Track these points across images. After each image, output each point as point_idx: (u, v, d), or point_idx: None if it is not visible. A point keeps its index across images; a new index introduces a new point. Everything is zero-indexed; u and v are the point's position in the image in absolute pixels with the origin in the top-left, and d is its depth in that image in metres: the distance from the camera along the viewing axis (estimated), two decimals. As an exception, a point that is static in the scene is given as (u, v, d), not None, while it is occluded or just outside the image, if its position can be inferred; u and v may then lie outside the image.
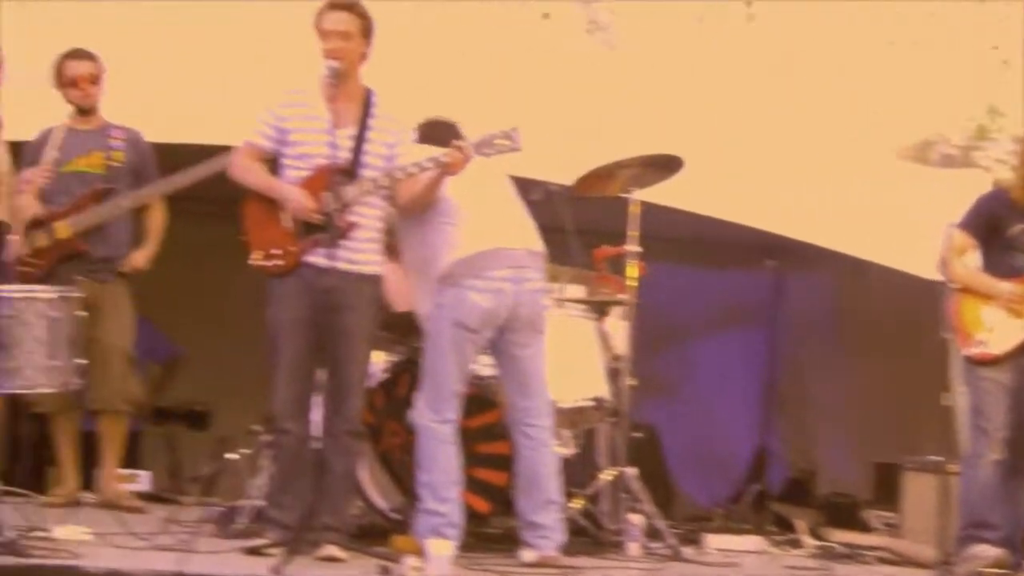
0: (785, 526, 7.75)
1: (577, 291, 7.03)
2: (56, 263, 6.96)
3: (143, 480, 7.73)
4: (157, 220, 7.29)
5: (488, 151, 5.88)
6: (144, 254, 7.21)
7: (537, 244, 6.21)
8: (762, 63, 8.21)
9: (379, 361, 6.53)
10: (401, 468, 6.49)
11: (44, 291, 5.91)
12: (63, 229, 6.97)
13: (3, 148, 6.45)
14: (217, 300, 9.48)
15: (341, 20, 5.91)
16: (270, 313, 5.96)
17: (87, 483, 7.33)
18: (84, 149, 7.09)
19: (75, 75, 7.11)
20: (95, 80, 7.14)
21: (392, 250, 6.26)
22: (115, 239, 7.12)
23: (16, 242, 6.51)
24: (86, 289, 6.39)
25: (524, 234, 6.20)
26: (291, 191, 5.90)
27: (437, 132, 6.30)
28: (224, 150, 6.52)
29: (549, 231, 6.46)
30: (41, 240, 6.95)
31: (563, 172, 7.02)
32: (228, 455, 7.05)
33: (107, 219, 7.03)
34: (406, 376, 6.47)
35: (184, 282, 8.97)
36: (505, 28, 8.19)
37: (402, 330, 6.56)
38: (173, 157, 7.24)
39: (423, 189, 5.97)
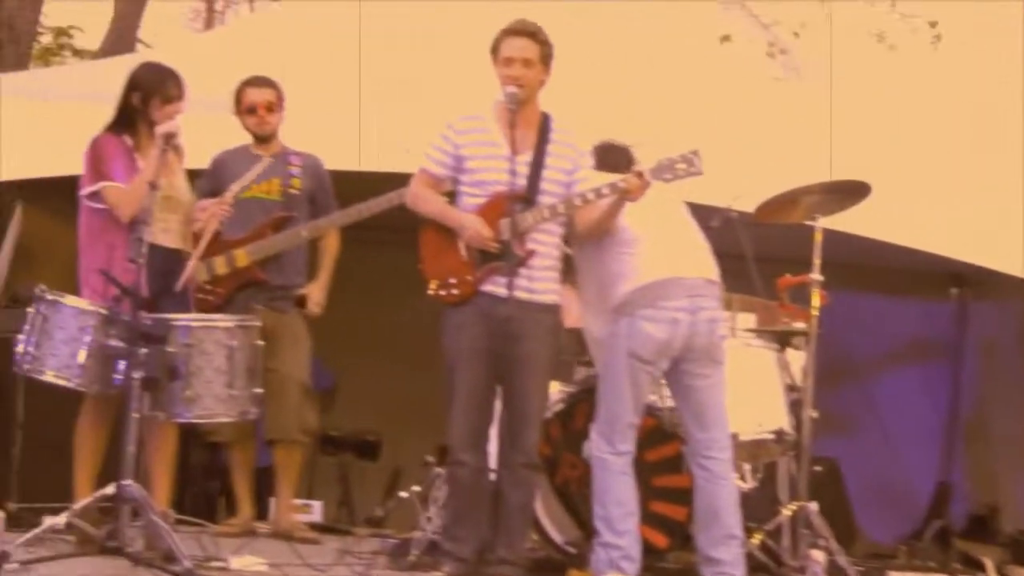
0: (971, 564, 7.52)
1: (748, 319, 6.91)
2: (234, 291, 7.00)
3: (315, 510, 7.76)
4: (332, 249, 7.30)
5: (667, 176, 5.79)
6: (319, 287, 7.21)
7: (713, 272, 6.11)
8: (948, 86, 8.03)
9: (556, 391, 6.47)
10: (578, 501, 6.43)
11: (223, 320, 6.01)
12: (242, 257, 7.00)
13: (183, 176, 6.54)
14: (389, 328, 9.54)
15: (523, 47, 5.89)
16: (447, 343, 5.94)
17: (260, 513, 7.38)
18: (262, 176, 7.05)
19: (254, 102, 7.15)
20: (273, 108, 7.17)
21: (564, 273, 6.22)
22: (292, 268, 7.12)
23: (195, 270, 6.57)
24: (263, 318, 6.44)
25: (700, 263, 6.11)
26: (467, 219, 5.89)
27: (611, 156, 6.27)
28: (401, 178, 6.53)
29: (728, 258, 6.36)
30: (220, 268, 7.00)
31: (743, 198, 6.88)
32: (402, 494, 7.02)
33: (286, 248, 7.04)
34: (583, 407, 6.40)
35: (356, 309, 9.03)
36: (683, 50, 8.14)
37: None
38: (349, 184, 7.27)
39: (601, 216, 5.92)
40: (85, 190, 6.28)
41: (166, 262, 6.28)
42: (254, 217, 7.03)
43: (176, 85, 6.32)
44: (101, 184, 6.22)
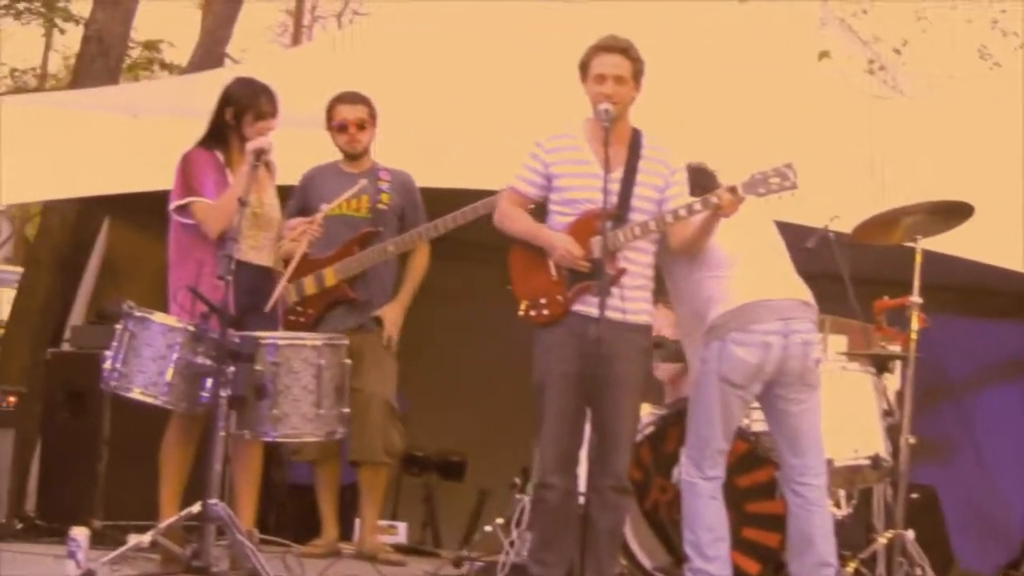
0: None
1: (839, 341, 6.82)
2: (324, 311, 7.00)
3: (400, 532, 7.75)
4: (418, 268, 7.25)
5: (761, 191, 5.69)
6: (396, 307, 7.15)
7: (807, 294, 6.03)
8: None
9: (647, 414, 6.42)
10: (668, 525, 6.39)
11: (311, 338, 6.02)
12: (330, 276, 7.00)
13: (273, 193, 6.57)
14: (474, 347, 9.52)
15: (616, 64, 5.84)
16: (536, 364, 5.89)
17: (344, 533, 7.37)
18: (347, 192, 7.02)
19: (345, 119, 7.13)
20: (364, 125, 7.14)
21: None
22: (377, 285, 7.11)
23: (285, 289, 6.57)
24: (348, 336, 6.41)
25: (793, 284, 6.04)
26: (557, 238, 5.85)
27: (696, 179, 6.20)
28: (488, 194, 6.52)
29: (824, 280, 6.28)
30: (309, 288, 7.00)
31: (840, 218, 6.78)
32: (486, 528, 6.97)
33: (373, 264, 7.03)
34: (674, 430, 6.36)
35: (442, 325, 9.02)
36: (781, 67, 8.06)
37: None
38: (438, 201, 7.26)
39: (694, 233, 5.86)
40: (174, 204, 6.33)
41: (255, 280, 6.31)
42: (342, 235, 7.02)
43: (269, 101, 6.35)
44: (190, 199, 6.27)
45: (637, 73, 5.90)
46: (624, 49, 5.88)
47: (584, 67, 5.90)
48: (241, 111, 6.34)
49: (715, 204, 5.71)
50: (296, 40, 30.00)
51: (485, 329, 8.85)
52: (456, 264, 8.11)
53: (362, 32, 11.97)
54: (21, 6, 14.19)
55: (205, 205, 6.24)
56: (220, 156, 6.38)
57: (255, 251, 6.35)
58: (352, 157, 7.17)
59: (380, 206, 7.11)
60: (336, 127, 7.15)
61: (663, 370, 7.17)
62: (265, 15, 39.32)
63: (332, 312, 7.00)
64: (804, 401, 5.95)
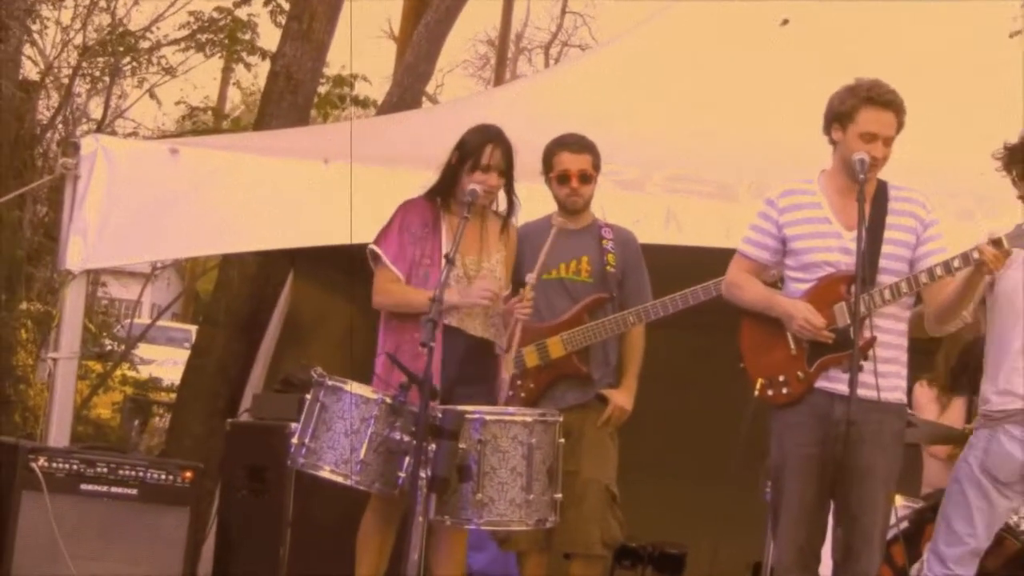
0: None
1: None
2: (547, 387, 6.98)
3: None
4: (638, 344, 7.21)
5: None
6: (626, 392, 7.12)
7: None
8: None
9: (900, 507, 6.35)
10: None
11: (521, 414, 6.03)
12: (557, 347, 6.98)
13: (500, 257, 6.60)
14: (697, 423, 9.52)
15: (890, 123, 5.81)
16: (774, 446, 5.90)
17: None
18: (570, 253, 7.04)
19: (567, 169, 7.02)
20: (588, 177, 7.06)
21: None
22: (601, 358, 7.09)
23: (506, 361, 6.62)
24: (566, 414, 6.42)
25: None
26: (795, 307, 5.84)
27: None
28: (722, 254, 6.52)
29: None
30: (531, 360, 6.99)
31: None
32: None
33: (608, 337, 7.01)
34: (932, 527, 6.25)
35: (658, 400, 9.03)
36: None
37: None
38: (661, 257, 7.30)
39: (954, 295, 5.78)
40: (369, 249, 6.47)
41: (469, 350, 6.40)
42: (560, 303, 7.02)
43: (494, 153, 6.41)
44: (373, 247, 6.45)
45: (899, 130, 5.87)
46: (898, 106, 5.82)
47: (845, 116, 5.84)
48: (462, 158, 6.46)
49: (977, 260, 5.63)
50: (499, 75, 30.42)
51: (710, 404, 8.84)
52: (676, 334, 8.10)
53: (575, 68, 12.08)
54: (203, 38, 14.57)
55: (385, 275, 6.40)
56: (439, 208, 6.50)
57: (469, 318, 6.42)
58: (571, 212, 7.08)
59: (608, 268, 7.07)
60: (556, 177, 7.06)
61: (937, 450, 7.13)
62: (463, 47, 40.10)
63: (554, 388, 7.00)
64: None
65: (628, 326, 7.03)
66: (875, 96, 5.80)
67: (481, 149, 6.41)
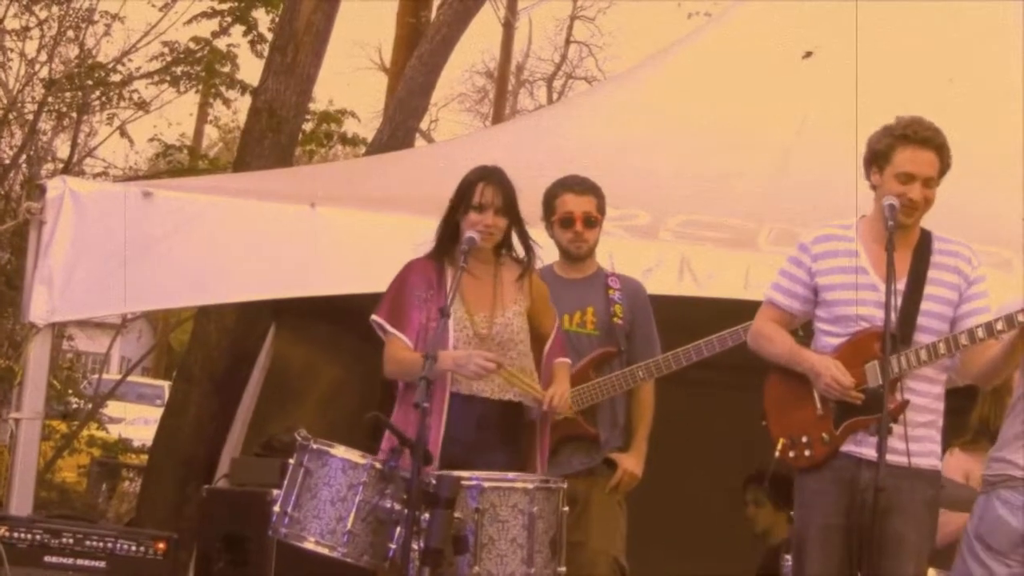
0: None
1: None
2: (552, 450, 6.80)
3: None
4: (648, 402, 7.24)
5: None
6: (636, 455, 7.13)
7: None
8: None
9: (933, 582, 6.37)
10: None
11: (522, 480, 5.99)
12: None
13: (517, 310, 6.46)
14: (712, 489, 9.53)
15: (930, 163, 5.83)
16: (796, 515, 5.94)
17: None
18: (574, 304, 7.05)
19: (571, 213, 7.05)
20: (593, 221, 7.09)
21: None
22: (609, 418, 7.11)
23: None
24: (574, 481, 6.41)
25: None
26: (824, 363, 5.86)
27: None
28: (740, 306, 6.56)
29: None
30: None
31: None
32: None
33: (615, 394, 7.02)
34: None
35: (670, 462, 9.04)
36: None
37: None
38: (675, 310, 7.31)
39: (996, 360, 5.80)
40: (372, 318, 6.43)
41: (487, 413, 6.32)
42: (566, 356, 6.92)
43: (486, 191, 6.34)
44: (383, 323, 6.36)
45: (944, 171, 5.89)
46: (940, 146, 5.85)
47: (881, 155, 5.88)
48: (455, 203, 6.42)
49: (1022, 323, 5.66)
50: (498, 110, 30.50)
51: (732, 471, 8.85)
52: (691, 390, 8.13)
53: (582, 103, 12.12)
54: (179, 70, 14.58)
55: (395, 344, 6.34)
56: (444, 265, 6.40)
57: (483, 381, 6.30)
58: (575, 259, 7.13)
59: (615, 320, 7.09)
60: (559, 221, 7.09)
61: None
62: (459, 79, 40.18)
63: (559, 451, 6.93)
64: None
65: (637, 382, 7.05)
66: (911, 134, 5.82)
67: (473, 187, 6.36)
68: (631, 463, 7.10)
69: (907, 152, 5.82)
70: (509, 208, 6.39)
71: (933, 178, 5.83)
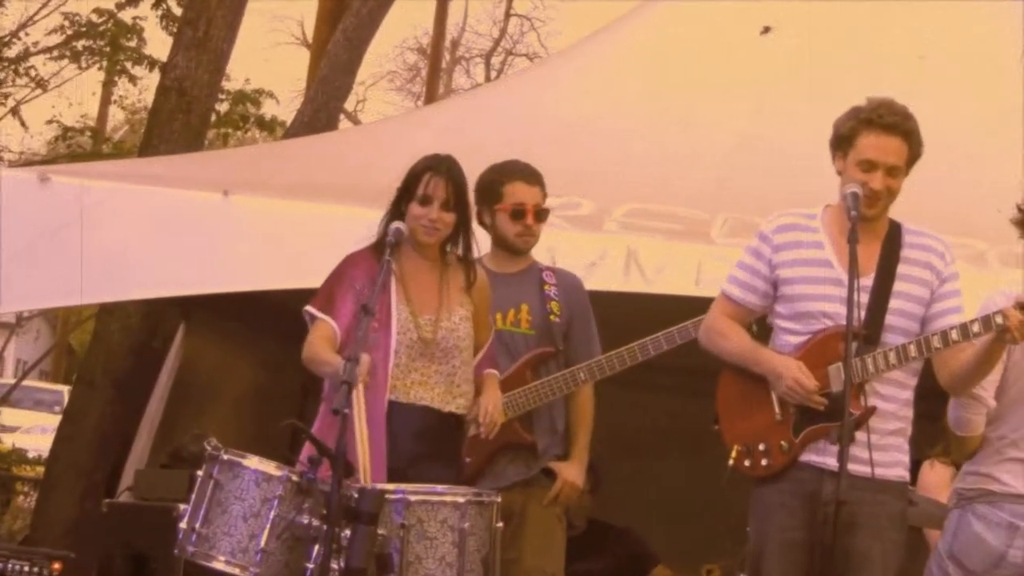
0: None
1: None
2: (486, 461, 6.90)
3: None
4: (587, 407, 7.17)
5: None
6: (577, 464, 7.09)
7: None
8: None
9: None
10: None
11: (452, 493, 5.95)
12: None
13: (464, 313, 6.41)
14: (671, 504, 9.55)
15: (896, 150, 5.81)
16: (752, 530, 5.93)
17: None
18: (508, 301, 7.00)
19: (523, 203, 6.99)
20: (544, 213, 7.07)
21: None
22: (547, 424, 7.07)
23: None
24: (507, 492, 6.41)
25: None
26: (786, 364, 5.85)
27: None
28: (691, 303, 6.56)
29: None
30: (468, 431, 6.81)
31: None
32: None
33: (553, 397, 6.98)
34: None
35: (625, 476, 9.07)
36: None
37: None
38: (621, 307, 7.30)
39: (971, 364, 5.80)
40: (311, 307, 6.35)
41: (427, 423, 6.29)
42: (498, 358, 6.86)
43: (433, 182, 6.30)
44: (313, 311, 6.29)
45: (913, 159, 5.88)
46: (907, 132, 5.83)
47: (845, 140, 5.87)
48: (401, 193, 6.38)
49: (1000, 326, 5.64)
50: (431, 89, 30.46)
51: (687, 479, 8.88)
52: (637, 395, 8.14)
53: (522, 82, 12.12)
54: (80, 45, 14.49)
55: (317, 330, 6.27)
56: (392, 262, 6.28)
57: (423, 387, 6.30)
58: (519, 253, 7.08)
59: (552, 318, 7.04)
60: (510, 211, 7.01)
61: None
62: (389, 56, 40.19)
63: (494, 462, 6.93)
64: None
65: (578, 384, 7.00)
66: (876, 118, 5.81)
67: (419, 178, 6.32)
68: (572, 473, 7.07)
69: (871, 138, 5.81)
70: (458, 203, 6.36)
71: (899, 167, 5.82)
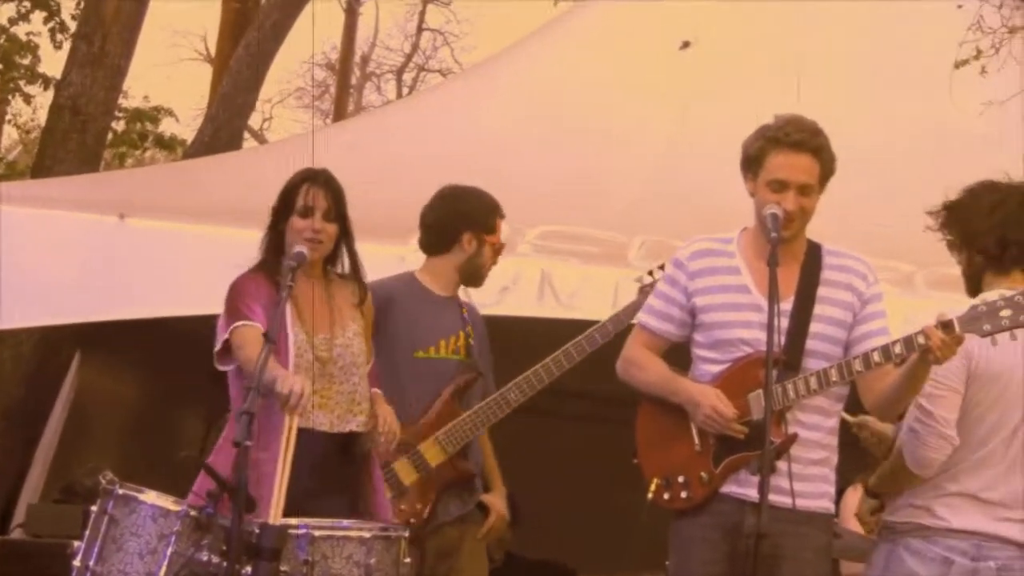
0: None
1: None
2: (437, 502, 6.84)
3: None
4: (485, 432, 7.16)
5: (986, 328, 5.63)
6: (500, 494, 7.13)
7: None
8: None
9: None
10: None
11: (357, 528, 5.91)
12: (433, 452, 6.84)
13: (356, 328, 6.37)
14: (589, 533, 9.58)
15: (806, 168, 5.79)
16: (673, 564, 5.93)
17: None
18: (449, 327, 7.00)
19: (503, 243, 7.09)
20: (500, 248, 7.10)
21: None
22: (476, 454, 7.03)
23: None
24: (445, 528, 6.51)
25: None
26: (703, 392, 5.86)
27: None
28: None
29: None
30: (407, 475, 6.83)
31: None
32: None
33: (487, 425, 6.92)
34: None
35: (545, 504, 9.07)
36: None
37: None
38: (534, 334, 7.31)
39: (895, 387, 5.79)
40: (218, 342, 6.23)
41: (325, 450, 6.21)
42: (432, 385, 6.90)
43: (312, 192, 6.26)
44: (235, 324, 6.13)
45: (826, 176, 5.87)
46: (817, 148, 5.82)
47: (753, 161, 5.86)
48: (279, 208, 6.32)
49: (922, 346, 5.61)
50: (340, 106, 30.43)
51: (605, 507, 8.89)
52: (558, 424, 8.14)
53: (433, 98, 12.12)
54: (-31, 61, 14.44)
55: (250, 337, 6.05)
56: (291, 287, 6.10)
57: (322, 409, 6.21)
58: (476, 285, 7.12)
59: (470, 342, 7.02)
60: (495, 246, 7.05)
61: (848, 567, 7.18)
62: (296, 72, 40.07)
63: (440, 499, 6.87)
64: None
65: (510, 406, 6.89)
66: (783, 136, 5.80)
67: (296, 190, 6.27)
68: (501, 505, 7.12)
69: (779, 157, 5.79)
70: (339, 213, 6.31)
71: (811, 185, 5.80)
